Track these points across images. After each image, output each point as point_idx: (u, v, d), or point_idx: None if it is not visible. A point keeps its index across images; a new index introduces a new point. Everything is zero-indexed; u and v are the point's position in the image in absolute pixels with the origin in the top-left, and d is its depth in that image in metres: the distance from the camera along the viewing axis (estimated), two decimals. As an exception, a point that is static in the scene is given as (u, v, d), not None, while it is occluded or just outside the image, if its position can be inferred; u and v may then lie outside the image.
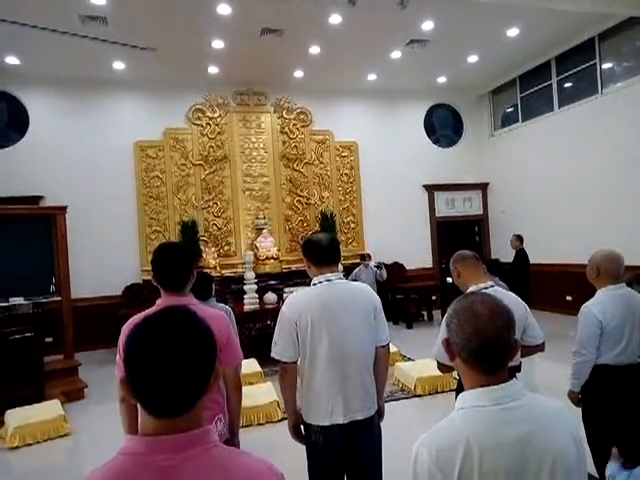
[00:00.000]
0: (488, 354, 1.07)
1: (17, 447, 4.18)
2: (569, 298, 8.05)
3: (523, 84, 9.58)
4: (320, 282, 2.10)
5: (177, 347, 0.83)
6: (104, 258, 8.10)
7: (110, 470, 0.82)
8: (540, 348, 2.40)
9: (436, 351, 2.23)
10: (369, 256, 8.27)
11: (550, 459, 1.02)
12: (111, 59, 7.61)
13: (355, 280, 7.26)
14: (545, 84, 9.01)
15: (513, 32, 7.57)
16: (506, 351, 1.08)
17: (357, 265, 9.31)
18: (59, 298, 5.87)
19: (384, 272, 8.23)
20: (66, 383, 5.60)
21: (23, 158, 7.97)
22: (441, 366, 2.27)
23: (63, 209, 6.00)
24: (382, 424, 2.21)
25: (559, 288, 8.28)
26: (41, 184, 7.86)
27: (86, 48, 6.97)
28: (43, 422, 4.38)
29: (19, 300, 5.47)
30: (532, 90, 9.37)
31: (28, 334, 5.15)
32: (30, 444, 4.24)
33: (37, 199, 7.82)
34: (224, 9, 6.22)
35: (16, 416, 4.43)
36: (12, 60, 7.36)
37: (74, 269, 6.25)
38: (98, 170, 8.31)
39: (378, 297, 2.20)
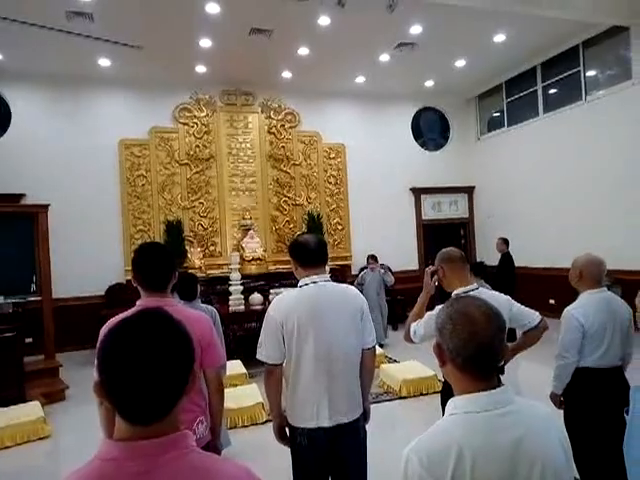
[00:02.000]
0: (483, 359, 1.07)
1: (-5, 450, 4.10)
2: (552, 301, 8.16)
3: (509, 89, 9.70)
4: (307, 284, 2.10)
5: (150, 353, 0.82)
6: (87, 257, 7.98)
7: (84, 476, 0.81)
8: (542, 326, 2.32)
9: (416, 327, 2.32)
10: (373, 258, 7.54)
11: (540, 465, 1.03)
12: (96, 56, 7.50)
13: (360, 284, 7.15)
14: (530, 90, 9.14)
15: (500, 38, 7.67)
16: (499, 356, 1.09)
17: (343, 267, 9.34)
18: (40, 298, 5.76)
19: (387, 276, 7.53)
20: (47, 384, 5.49)
21: (5, 155, 7.80)
22: (408, 337, 2.38)
23: (45, 207, 5.89)
24: (367, 426, 2.21)
25: (543, 291, 8.38)
26: (23, 182, 7.71)
27: (71, 44, 6.86)
28: (23, 424, 4.29)
29: (-1, 299, 5.36)
30: (518, 96, 9.50)
31: (8, 334, 5.05)
32: (9, 446, 4.16)
33: (19, 197, 7.67)
34: (213, 8, 6.18)
35: (-6, 418, 4.34)
36: (-6, 55, 7.22)
37: (56, 268, 6.14)
38: (82, 168, 8.19)
39: (365, 299, 2.20)
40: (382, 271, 7.58)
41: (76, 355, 7.13)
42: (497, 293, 2.41)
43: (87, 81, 8.24)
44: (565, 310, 2.58)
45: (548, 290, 8.24)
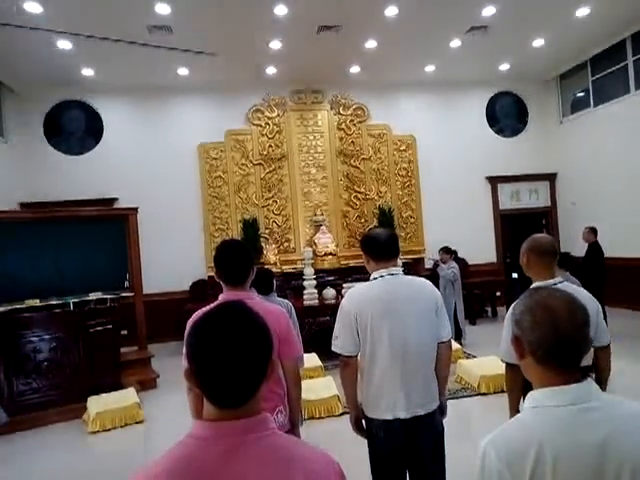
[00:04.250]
0: (565, 352, 1.01)
1: (97, 431, 4.52)
2: (649, 294, 7.48)
3: (595, 66, 8.97)
4: (380, 276, 2.10)
5: (233, 342, 0.87)
6: (172, 255, 8.51)
7: (177, 453, 0.88)
8: (609, 350, 2.20)
9: (504, 351, 2.12)
10: (444, 250, 7.18)
11: (630, 466, 0.94)
12: (175, 66, 7.96)
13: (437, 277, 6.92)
14: (620, 65, 8.39)
15: (583, 12, 7.09)
16: (583, 349, 1.02)
17: (416, 261, 9.22)
18: (132, 293, 6.26)
19: (440, 269, 7.14)
20: (140, 373, 5.97)
21: (99, 163, 8.56)
22: (510, 369, 2.11)
23: (134, 210, 6.38)
24: (445, 421, 2.18)
25: (638, 284, 7.70)
26: (115, 186, 8.41)
27: (153, 57, 7.34)
28: (120, 409, 4.70)
29: (98, 295, 5.88)
30: (605, 72, 8.75)
31: (107, 326, 5.54)
32: (109, 429, 4.57)
33: (112, 201, 8.38)
34: (281, 10, 6.32)
35: (97, 402, 4.79)
36: (88, 72, 7.90)
37: (145, 266, 6.63)
38: (166, 172, 8.74)
39: (439, 292, 2.17)
40: (453, 264, 7.05)
41: (165, 346, 7.63)
42: (587, 294, 2.21)
43: (168, 90, 8.77)
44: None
45: (645, 282, 7.56)
